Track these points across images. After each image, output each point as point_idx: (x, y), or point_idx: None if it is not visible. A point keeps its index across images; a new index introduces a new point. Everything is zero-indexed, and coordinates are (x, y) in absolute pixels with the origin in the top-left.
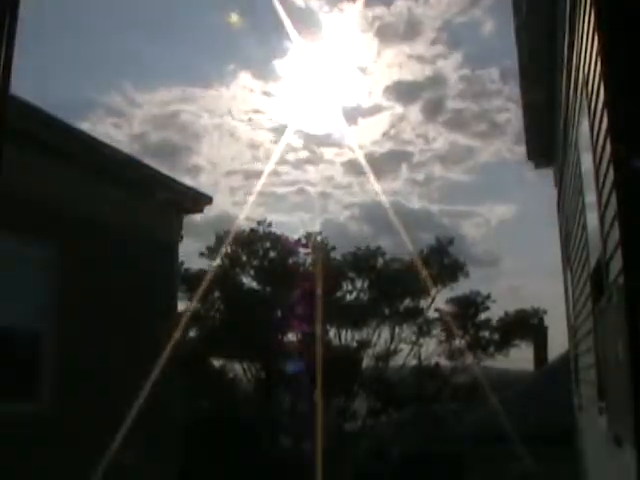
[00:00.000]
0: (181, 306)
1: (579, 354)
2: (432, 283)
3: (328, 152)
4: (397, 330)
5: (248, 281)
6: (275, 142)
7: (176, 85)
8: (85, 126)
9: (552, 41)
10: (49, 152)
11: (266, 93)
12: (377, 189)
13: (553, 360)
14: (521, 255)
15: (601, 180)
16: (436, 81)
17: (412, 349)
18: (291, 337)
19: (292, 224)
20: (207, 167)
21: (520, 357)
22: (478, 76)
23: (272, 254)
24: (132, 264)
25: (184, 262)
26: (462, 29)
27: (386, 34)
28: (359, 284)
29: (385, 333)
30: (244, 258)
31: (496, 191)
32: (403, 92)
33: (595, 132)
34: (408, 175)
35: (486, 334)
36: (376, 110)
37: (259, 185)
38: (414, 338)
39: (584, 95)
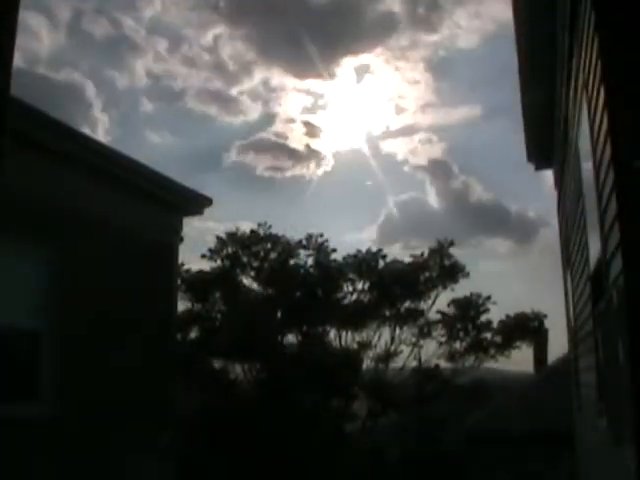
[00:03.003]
0: (181, 307)
1: (579, 355)
2: (432, 285)
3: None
4: (397, 332)
5: (249, 282)
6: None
7: None
8: None
9: (552, 41)
10: (49, 153)
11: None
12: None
13: (553, 362)
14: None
15: (601, 180)
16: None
17: (412, 351)
18: (291, 338)
19: (293, 225)
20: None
21: (520, 359)
22: None
23: (273, 255)
24: (132, 265)
25: (184, 263)
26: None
27: None
28: (359, 285)
29: (385, 335)
30: (245, 259)
31: None
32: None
33: (595, 132)
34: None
35: (487, 336)
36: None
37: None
38: (414, 340)
39: (584, 95)
